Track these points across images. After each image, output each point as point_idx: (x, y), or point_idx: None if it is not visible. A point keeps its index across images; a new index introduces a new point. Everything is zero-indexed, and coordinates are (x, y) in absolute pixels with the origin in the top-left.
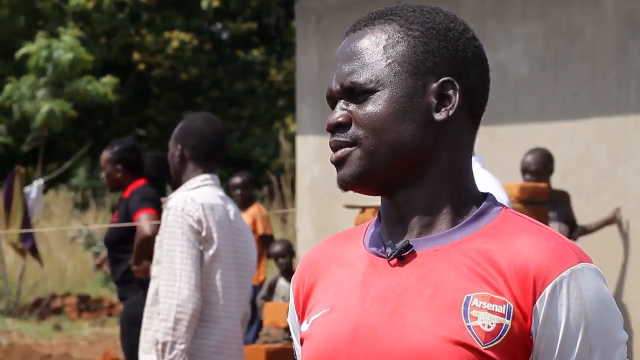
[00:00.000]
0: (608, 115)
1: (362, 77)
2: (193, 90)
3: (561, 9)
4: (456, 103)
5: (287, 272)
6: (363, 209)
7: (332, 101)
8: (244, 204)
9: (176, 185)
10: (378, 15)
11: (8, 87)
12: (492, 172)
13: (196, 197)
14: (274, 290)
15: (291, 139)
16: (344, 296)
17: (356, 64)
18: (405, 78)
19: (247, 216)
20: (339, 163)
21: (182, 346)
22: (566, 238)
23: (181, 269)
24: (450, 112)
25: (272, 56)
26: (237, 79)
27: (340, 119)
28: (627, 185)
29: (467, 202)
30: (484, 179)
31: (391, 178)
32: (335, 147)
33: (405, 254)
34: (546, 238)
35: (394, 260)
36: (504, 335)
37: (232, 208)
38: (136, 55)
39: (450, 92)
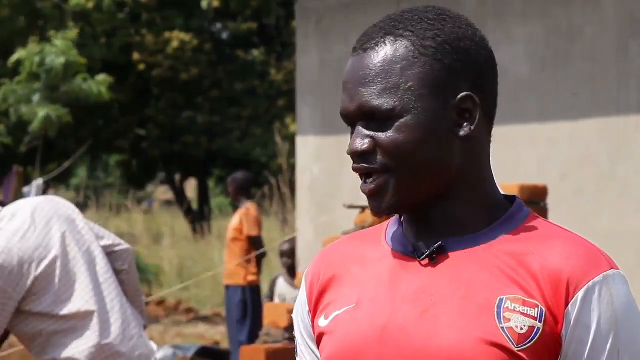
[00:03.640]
0: (608, 115)
1: (384, 103)
2: (193, 90)
3: (561, 9)
4: (477, 117)
5: (289, 271)
6: (363, 209)
7: (347, 120)
8: (235, 203)
9: None
10: (386, 31)
11: (3, 89)
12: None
13: None
14: (274, 289)
15: (290, 139)
16: (370, 294)
17: (374, 88)
18: (427, 101)
19: (236, 217)
20: (374, 194)
21: None
22: (594, 244)
23: None
24: (473, 127)
25: (272, 56)
26: (237, 79)
27: (365, 147)
28: (627, 185)
29: (493, 206)
30: None
31: (423, 199)
32: (363, 173)
33: (437, 254)
34: (577, 243)
35: (425, 261)
36: (536, 338)
37: (28, 207)
38: (136, 55)
39: (470, 106)
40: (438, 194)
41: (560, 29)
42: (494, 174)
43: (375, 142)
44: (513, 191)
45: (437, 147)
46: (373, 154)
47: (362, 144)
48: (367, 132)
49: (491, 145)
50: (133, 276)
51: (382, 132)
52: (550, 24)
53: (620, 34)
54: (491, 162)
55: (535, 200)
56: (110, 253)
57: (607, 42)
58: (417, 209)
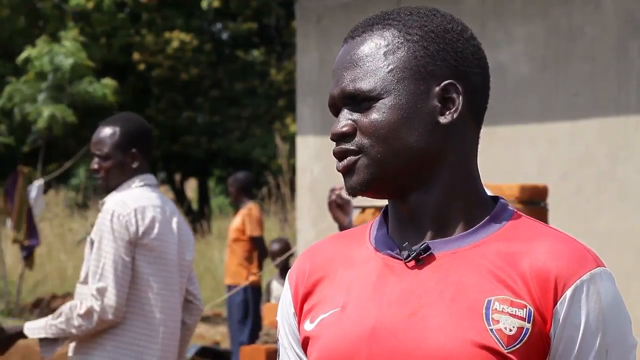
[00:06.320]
0: (608, 115)
1: (364, 85)
2: (193, 90)
3: (561, 9)
4: (460, 106)
5: (284, 272)
6: (363, 209)
7: (334, 108)
8: (235, 203)
9: (110, 189)
10: (376, 21)
11: (8, 88)
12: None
13: (130, 200)
14: (270, 293)
15: (290, 139)
16: (356, 296)
17: (358, 71)
18: (407, 84)
19: (238, 217)
20: (346, 172)
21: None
22: (581, 242)
23: (109, 271)
24: (455, 115)
25: (272, 56)
26: (237, 79)
27: (345, 129)
28: (627, 185)
29: (478, 204)
30: None
31: (401, 183)
32: (340, 156)
33: (423, 256)
34: (565, 242)
35: (412, 262)
36: (525, 339)
37: (168, 209)
38: (136, 55)
39: (454, 95)
40: (418, 181)
41: (560, 29)
42: (491, 174)
43: (356, 125)
44: (513, 191)
45: (415, 130)
46: (352, 136)
47: (343, 125)
48: (349, 116)
49: (491, 145)
50: (189, 337)
51: (363, 114)
52: (550, 24)
53: (620, 34)
54: (490, 163)
55: (535, 200)
56: (187, 301)
57: (607, 42)
58: (395, 193)
